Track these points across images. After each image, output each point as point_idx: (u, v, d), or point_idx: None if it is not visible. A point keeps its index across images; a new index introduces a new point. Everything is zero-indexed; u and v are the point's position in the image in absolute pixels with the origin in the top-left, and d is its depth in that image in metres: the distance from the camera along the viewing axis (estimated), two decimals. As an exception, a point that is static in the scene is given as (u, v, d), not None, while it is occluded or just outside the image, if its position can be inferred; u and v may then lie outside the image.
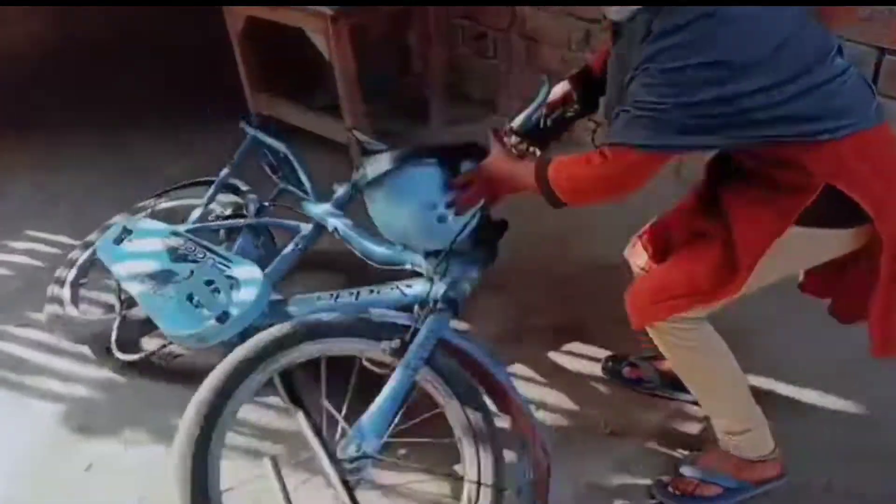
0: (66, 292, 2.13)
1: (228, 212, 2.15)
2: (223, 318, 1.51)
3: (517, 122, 1.59)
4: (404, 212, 1.55)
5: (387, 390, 1.40)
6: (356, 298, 1.63)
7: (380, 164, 1.54)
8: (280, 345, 1.47)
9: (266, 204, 2.10)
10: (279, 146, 2.13)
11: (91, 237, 2.25)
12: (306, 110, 2.95)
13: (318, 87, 3.08)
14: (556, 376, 1.96)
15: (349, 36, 2.60)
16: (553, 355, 2.02)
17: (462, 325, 2.00)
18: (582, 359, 2.00)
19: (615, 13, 1.26)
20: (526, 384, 1.92)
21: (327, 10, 2.48)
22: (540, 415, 1.83)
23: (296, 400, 1.55)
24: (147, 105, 3.38)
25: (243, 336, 1.54)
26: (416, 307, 1.53)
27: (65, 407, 1.93)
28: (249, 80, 3.00)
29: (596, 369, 1.95)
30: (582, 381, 1.94)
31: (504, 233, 1.67)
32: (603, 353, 1.97)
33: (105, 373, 2.00)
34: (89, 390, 1.97)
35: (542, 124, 1.60)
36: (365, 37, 3.00)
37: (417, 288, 1.59)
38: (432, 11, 2.88)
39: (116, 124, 3.25)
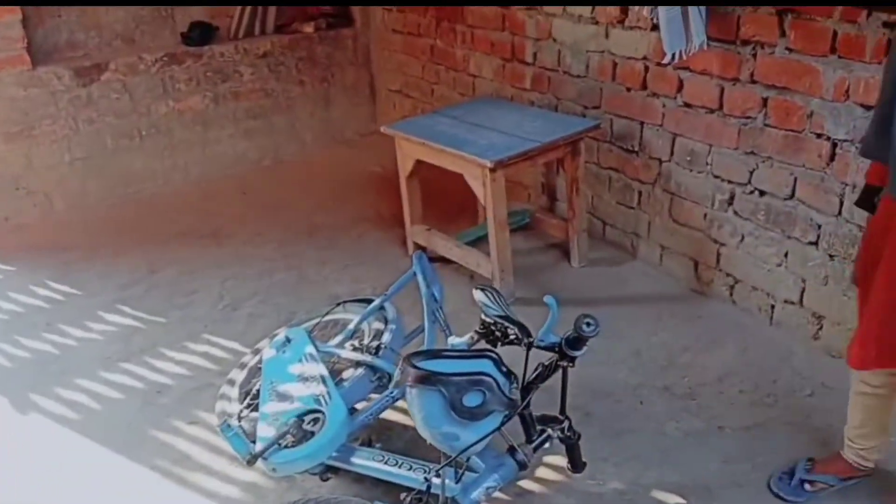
0: (234, 392, 2.41)
1: (371, 337, 2.41)
2: (251, 460, 1.91)
3: (539, 335, 1.78)
4: (416, 421, 1.72)
5: None
6: (386, 463, 1.96)
7: (402, 374, 1.71)
8: None
9: (383, 344, 2.29)
10: (429, 289, 2.37)
11: (261, 344, 2.56)
12: (456, 244, 3.21)
13: (469, 223, 3.35)
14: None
15: (504, 184, 2.86)
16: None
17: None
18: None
19: None
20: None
21: (487, 163, 2.74)
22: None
23: None
24: (319, 225, 3.80)
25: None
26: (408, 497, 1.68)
27: (218, 505, 2.17)
28: (410, 213, 3.31)
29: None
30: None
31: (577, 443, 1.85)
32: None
33: (254, 476, 2.23)
34: (241, 492, 2.20)
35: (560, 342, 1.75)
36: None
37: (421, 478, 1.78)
38: (581, 161, 3.08)
39: (294, 241, 3.67)
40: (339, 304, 2.58)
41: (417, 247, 3.34)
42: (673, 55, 2.57)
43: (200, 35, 4.22)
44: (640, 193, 3.15)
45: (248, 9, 4.38)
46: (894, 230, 1.66)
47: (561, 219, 3.41)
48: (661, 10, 2.52)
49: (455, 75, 4.07)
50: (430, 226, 3.35)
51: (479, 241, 3.29)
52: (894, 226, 1.66)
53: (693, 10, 2.49)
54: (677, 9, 2.51)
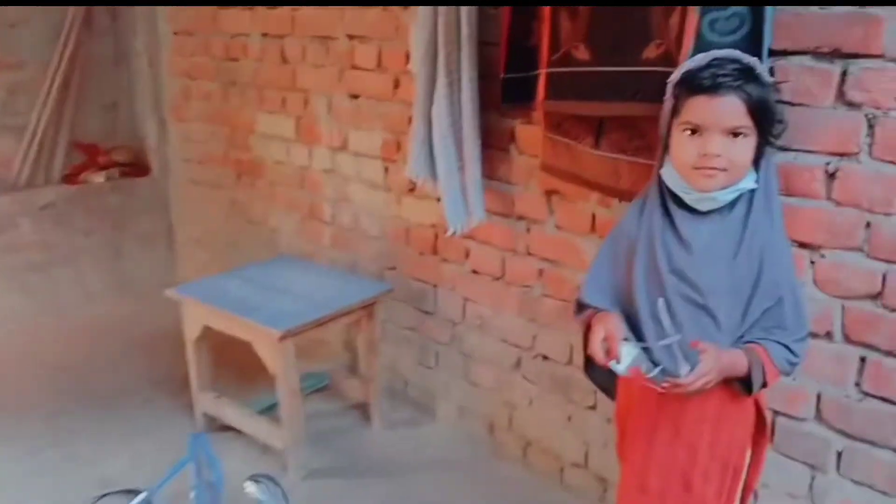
0: None
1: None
2: None
3: None
4: None
5: None
6: None
7: None
8: None
9: None
10: (201, 478, 2.19)
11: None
12: (248, 413, 3.04)
13: (269, 385, 3.20)
14: None
15: (295, 352, 2.77)
16: None
17: None
18: None
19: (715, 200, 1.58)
20: None
21: (275, 332, 2.65)
22: None
23: None
24: (101, 391, 3.48)
25: None
26: None
27: None
28: (198, 380, 3.11)
29: None
30: None
31: None
32: None
33: None
34: None
35: None
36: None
37: None
38: (377, 323, 3.08)
39: (69, 410, 3.31)
40: (100, 498, 2.31)
41: (206, 417, 3.13)
42: (455, 229, 2.68)
43: (-28, 185, 3.90)
44: (437, 354, 3.19)
45: (32, 157, 4.13)
46: (634, 407, 1.76)
47: (362, 379, 3.35)
48: (441, 188, 2.65)
49: (256, 229, 4.02)
50: (221, 392, 3.16)
51: (276, 408, 3.14)
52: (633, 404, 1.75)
53: (471, 188, 2.63)
54: (457, 187, 2.65)
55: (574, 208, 2.52)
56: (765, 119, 1.54)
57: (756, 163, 1.59)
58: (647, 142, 2.20)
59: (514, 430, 2.92)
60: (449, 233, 2.69)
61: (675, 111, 1.60)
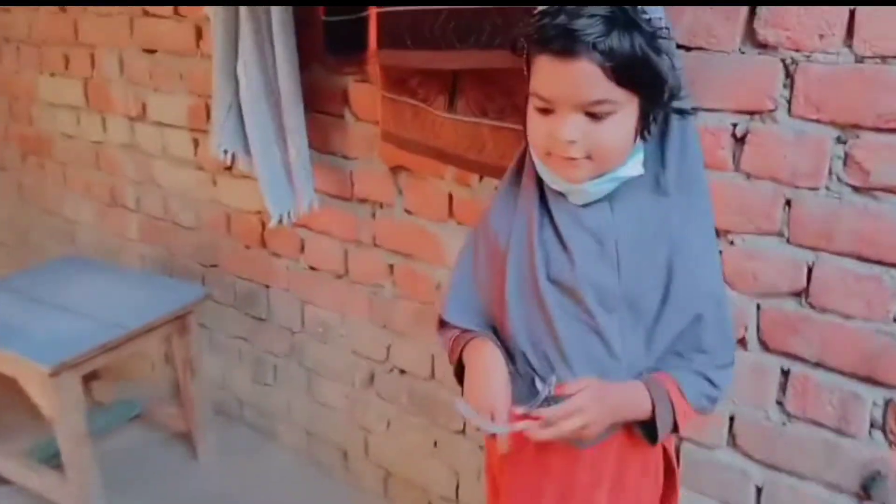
0: None
1: None
2: None
3: None
4: None
5: None
6: None
7: None
8: None
9: None
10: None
11: None
12: (28, 463, 2.36)
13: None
14: None
15: (81, 385, 2.13)
16: None
17: None
18: None
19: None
20: None
21: (43, 367, 2.00)
22: None
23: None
24: None
25: None
26: None
27: None
28: (-41, 425, 2.41)
29: None
30: None
31: None
32: None
33: None
34: None
35: None
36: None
37: None
38: (193, 339, 2.47)
39: None
40: None
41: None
42: (280, 217, 2.10)
43: None
44: (275, 368, 2.62)
45: None
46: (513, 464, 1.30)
47: (183, 402, 2.74)
48: (257, 165, 2.06)
49: (51, 220, 3.26)
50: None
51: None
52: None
53: (296, 164, 2.06)
54: (277, 163, 2.07)
55: (426, 188, 2.00)
56: (642, 82, 1.05)
57: (662, 134, 1.13)
58: (515, 101, 1.69)
59: (372, 457, 2.41)
60: (273, 221, 2.11)
61: (528, 72, 1.11)
